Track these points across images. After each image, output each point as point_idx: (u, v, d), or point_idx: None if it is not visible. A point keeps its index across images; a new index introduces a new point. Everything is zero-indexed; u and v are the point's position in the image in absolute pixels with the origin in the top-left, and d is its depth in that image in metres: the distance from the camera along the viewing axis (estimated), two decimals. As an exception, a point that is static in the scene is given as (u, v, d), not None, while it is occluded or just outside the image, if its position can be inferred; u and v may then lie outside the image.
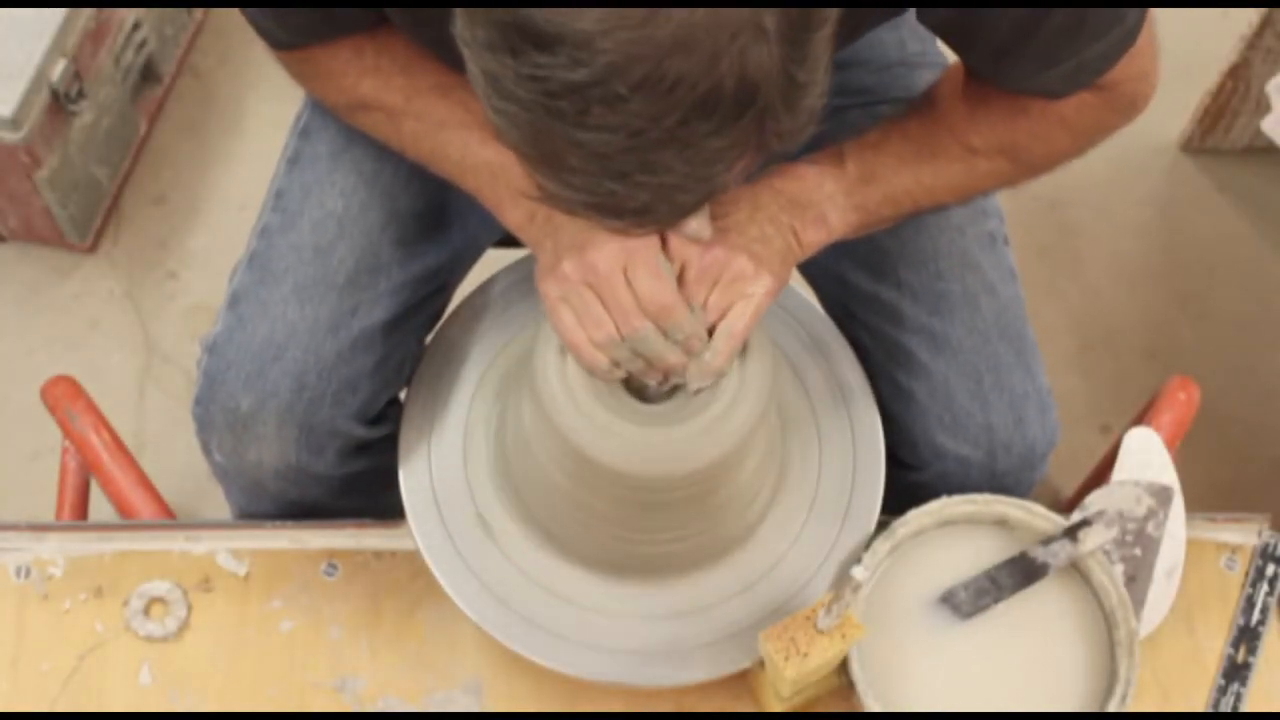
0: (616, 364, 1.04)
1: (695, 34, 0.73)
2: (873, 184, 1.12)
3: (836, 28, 0.80)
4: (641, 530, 1.13)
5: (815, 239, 1.12)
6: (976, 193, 1.18)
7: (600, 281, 1.01)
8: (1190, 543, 1.22)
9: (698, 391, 1.06)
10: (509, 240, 1.22)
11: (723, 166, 0.80)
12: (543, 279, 1.05)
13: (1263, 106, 1.87)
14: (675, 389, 1.08)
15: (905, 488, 1.23)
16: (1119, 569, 1.18)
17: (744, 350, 1.07)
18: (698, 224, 1.02)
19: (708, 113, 0.76)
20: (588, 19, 0.72)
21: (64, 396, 1.40)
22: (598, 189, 0.80)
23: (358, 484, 1.26)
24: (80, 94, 1.87)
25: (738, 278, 1.03)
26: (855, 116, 1.24)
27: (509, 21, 0.74)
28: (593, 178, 0.79)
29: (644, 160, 0.77)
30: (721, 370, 1.05)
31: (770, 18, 0.74)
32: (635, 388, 1.08)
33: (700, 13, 0.73)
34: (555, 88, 0.74)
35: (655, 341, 1.02)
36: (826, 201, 1.11)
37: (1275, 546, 1.26)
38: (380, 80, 1.12)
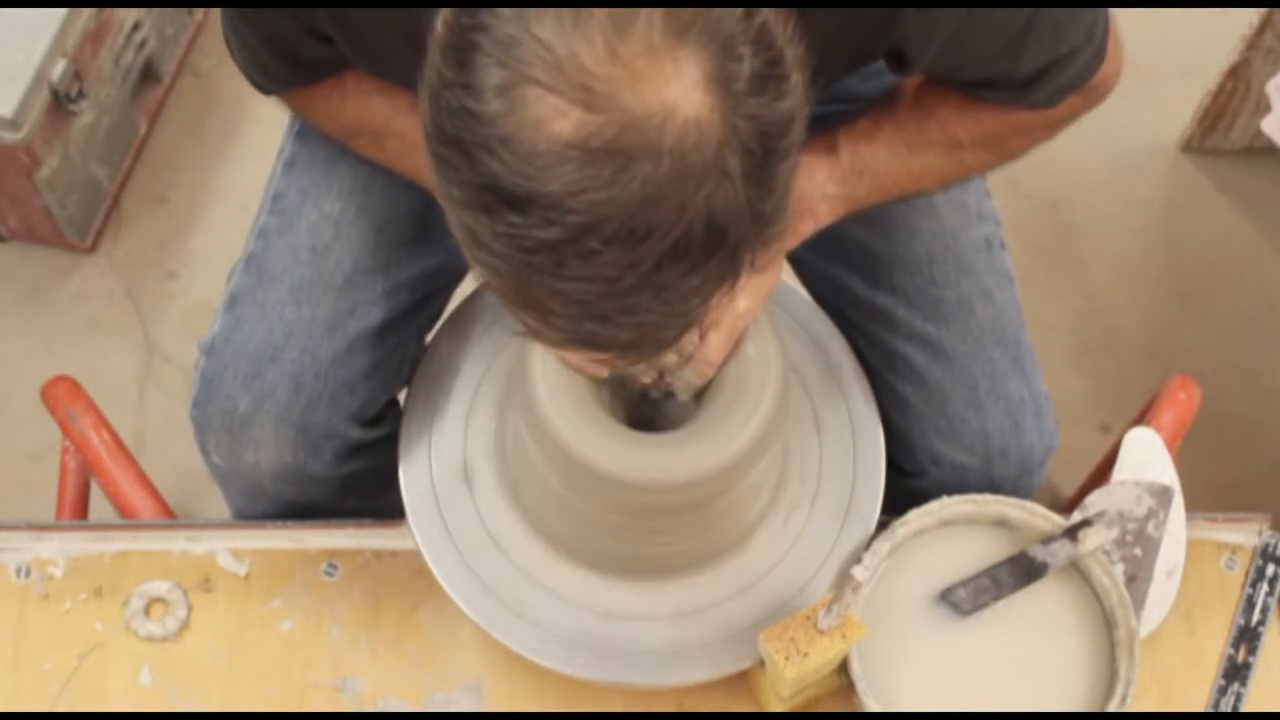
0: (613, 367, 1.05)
1: (661, 189, 0.74)
2: (864, 175, 1.13)
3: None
4: (640, 534, 1.13)
5: (804, 229, 1.14)
6: (957, 181, 1.20)
7: None
8: (1190, 543, 1.22)
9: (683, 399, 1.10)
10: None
11: (699, 300, 0.81)
12: (538, 342, 1.05)
13: (1263, 106, 1.87)
14: (669, 395, 1.10)
15: (903, 494, 1.23)
16: (1119, 569, 1.18)
17: (752, 359, 1.08)
18: None
19: (679, 257, 0.77)
20: (557, 182, 0.74)
21: (64, 396, 1.40)
22: (580, 330, 0.81)
23: (356, 485, 1.26)
24: (80, 94, 1.87)
25: None
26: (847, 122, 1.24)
27: (482, 184, 0.76)
28: (574, 320, 0.80)
29: (622, 304, 0.79)
30: (699, 386, 1.08)
31: (734, 161, 0.76)
32: (640, 418, 1.10)
33: (665, 168, 0.74)
34: (530, 245, 0.76)
35: None
36: (816, 191, 1.13)
37: (1275, 546, 1.26)
38: (361, 101, 1.14)
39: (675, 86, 0.74)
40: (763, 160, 0.77)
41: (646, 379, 1.08)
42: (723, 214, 0.77)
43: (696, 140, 0.74)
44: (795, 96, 0.78)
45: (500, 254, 0.78)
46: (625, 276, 0.77)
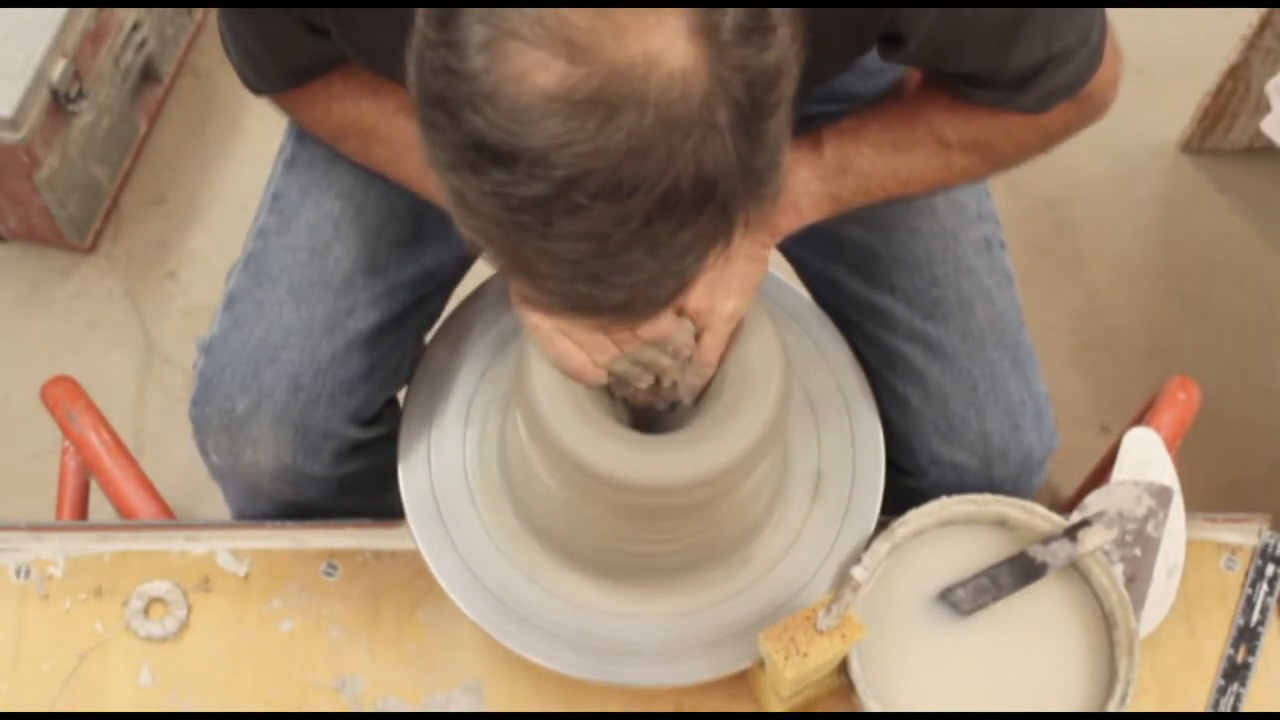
0: (611, 372, 1.06)
1: (647, 140, 0.74)
2: (849, 174, 1.13)
3: (796, 84, 0.80)
4: (641, 535, 1.13)
5: (787, 226, 1.14)
6: (947, 186, 1.19)
7: None
8: (1190, 543, 1.22)
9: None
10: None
11: (693, 258, 0.81)
12: (532, 309, 1.05)
13: (1263, 106, 1.87)
14: (674, 405, 1.10)
15: (903, 494, 1.23)
16: (1119, 569, 1.18)
17: (754, 360, 1.08)
18: None
19: (669, 212, 0.76)
20: (541, 135, 0.73)
21: (64, 396, 1.40)
22: (572, 292, 0.81)
23: (355, 485, 1.26)
24: (80, 94, 1.87)
25: (695, 314, 1.06)
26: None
27: (466, 142, 0.75)
28: (566, 282, 0.80)
29: (614, 263, 0.78)
30: (700, 387, 1.08)
31: (722, 112, 0.75)
32: (642, 420, 1.10)
33: (650, 119, 0.73)
34: (516, 203, 0.76)
35: (649, 352, 1.05)
36: (800, 187, 1.12)
37: (1275, 546, 1.26)
38: (349, 104, 1.14)
39: (658, 37, 0.73)
40: (751, 113, 0.77)
41: (643, 384, 1.08)
42: (712, 167, 0.76)
43: (682, 90, 0.74)
44: (782, 49, 0.77)
45: (489, 215, 0.77)
46: (615, 233, 0.76)
